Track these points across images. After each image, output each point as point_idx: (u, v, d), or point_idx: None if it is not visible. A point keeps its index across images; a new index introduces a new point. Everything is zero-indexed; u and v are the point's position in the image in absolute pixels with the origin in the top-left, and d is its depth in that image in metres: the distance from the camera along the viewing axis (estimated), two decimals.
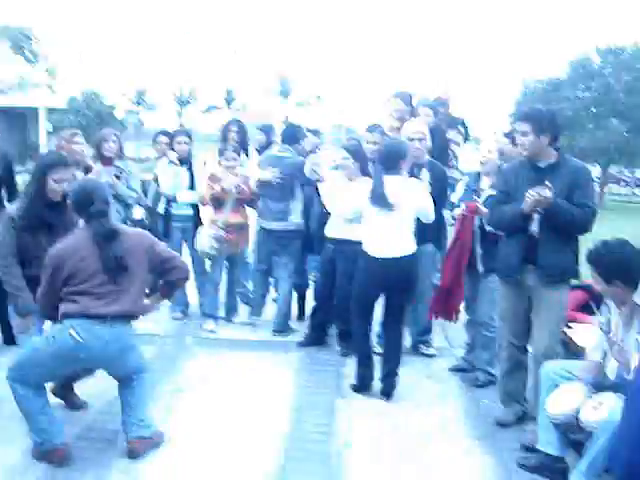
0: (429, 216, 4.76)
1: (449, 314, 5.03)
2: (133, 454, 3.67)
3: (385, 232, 4.58)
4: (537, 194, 3.82)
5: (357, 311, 4.79)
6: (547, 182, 3.86)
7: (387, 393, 4.69)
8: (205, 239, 5.91)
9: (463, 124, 6.78)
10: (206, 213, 6.20)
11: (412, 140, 5.24)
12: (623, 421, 2.21)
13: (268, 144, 6.74)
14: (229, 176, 5.93)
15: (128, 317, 3.66)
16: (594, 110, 32.14)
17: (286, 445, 3.93)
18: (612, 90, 31.45)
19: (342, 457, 3.81)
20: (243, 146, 6.60)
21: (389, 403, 4.62)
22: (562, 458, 3.62)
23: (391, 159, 4.65)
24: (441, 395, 4.84)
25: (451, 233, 5.09)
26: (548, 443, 3.63)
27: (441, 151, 5.83)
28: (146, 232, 3.93)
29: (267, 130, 7.02)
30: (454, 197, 5.18)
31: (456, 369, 5.27)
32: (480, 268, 4.81)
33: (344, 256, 5.23)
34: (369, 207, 4.61)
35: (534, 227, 4.01)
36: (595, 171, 33.90)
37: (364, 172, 5.19)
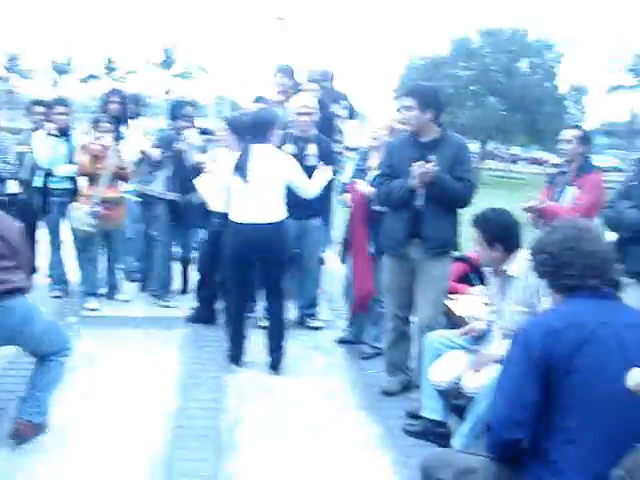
0: (305, 189, 4.80)
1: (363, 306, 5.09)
2: (17, 437, 3.49)
3: (247, 199, 4.56)
4: (424, 168, 3.90)
5: (230, 282, 4.80)
6: (431, 157, 3.95)
7: (274, 367, 4.69)
8: (81, 215, 5.67)
9: (346, 99, 6.86)
10: (81, 188, 5.95)
11: (300, 114, 5.24)
12: (497, 382, 2.35)
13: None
14: (108, 153, 5.72)
15: (9, 293, 3.43)
16: (473, 88, 33.39)
17: (174, 423, 3.87)
18: (490, 70, 32.76)
19: (233, 433, 3.80)
20: (124, 117, 6.40)
21: (277, 377, 4.64)
22: (445, 423, 3.77)
23: (258, 128, 4.62)
24: (328, 367, 4.91)
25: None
26: (431, 409, 3.76)
27: (325, 125, 5.86)
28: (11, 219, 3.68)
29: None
30: (344, 177, 5.23)
31: (342, 341, 5.36)
32: (371, 249, 4.87)
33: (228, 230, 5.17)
34: (233, 176, 4.59)
35: (419, 202, 4.09)
36: (474, 147, 35.33)
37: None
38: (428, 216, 4.08)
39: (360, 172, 5.03)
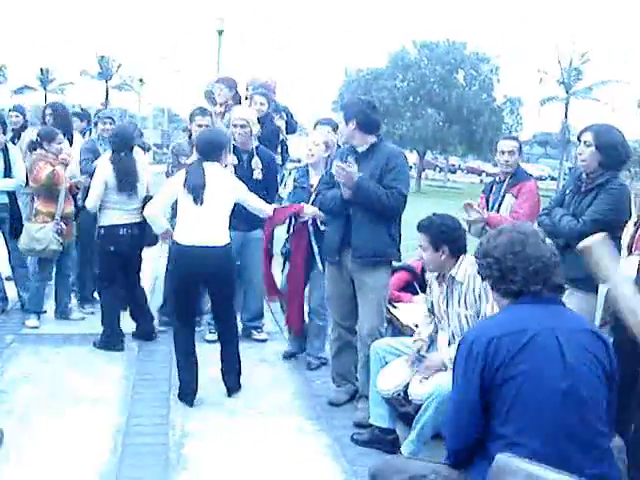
0: (258, 209, 4.75)
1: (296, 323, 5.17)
2: None
3: (197, 221, 4.33)
4: (340, 166, 3.96)
5: (175, 307, 4.53)
6: (350, 158, 4.03)
7: (230, 389, 4.52)
8: (48, 235, 5.47)
9: (287, 112, 6.91)
10: (39, 207, 5.62)
11: (234, 126, 5.29)
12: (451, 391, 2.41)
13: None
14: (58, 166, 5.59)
15: None
16: (411, 100, 33.93)
17: (122, 440, 3.81)
18: (427, 81, 33.37)
19: (181, 448, 3.76)
20: (63, 130, 6.29)
21: (223, 390, 4.60)
22: (393, 430, 3.81)
23: (209, 147, 4.46)
24: (275, 379, 4.92)
25: None
26: (379, 417, 3.81)
27: (272, 137, 5.92)
28: None
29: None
30: (284, 192, 5.25)
31: (286, 356, 5.36)
32: (320, 267, 4.87)
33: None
34: (183, 196, 4.36)
35: (350, 210, 4.14)
36: (412, 157, 35.90)
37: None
38: (357, 225, 4.12)
39: (301, 189, 5.06)
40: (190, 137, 5.66)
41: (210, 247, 4.31)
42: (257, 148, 5.41)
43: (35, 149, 5.64)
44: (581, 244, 1.34)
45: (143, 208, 4.86)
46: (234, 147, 5.32)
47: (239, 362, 4.57)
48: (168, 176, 5.55)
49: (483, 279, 2.46)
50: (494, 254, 2.34)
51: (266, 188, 5.29)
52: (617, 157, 3.79)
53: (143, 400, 4.37)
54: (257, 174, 5.28)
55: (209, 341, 5.14)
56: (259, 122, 5.74)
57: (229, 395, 4.48)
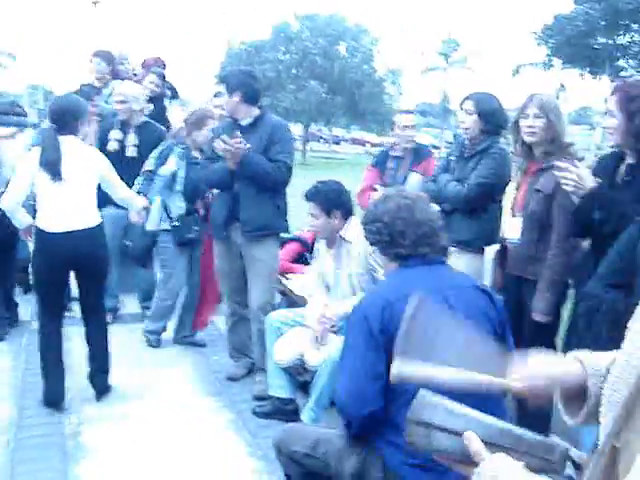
0: (116, 189, 4.20)
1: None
2: None
3: (60, 203, 3.83)
4: (227, 143, 3.91)
5: (43, 301, 4.00)
6: (237, 132, 3.98)
7: (100, 392, 4.11)
8: None
9: (172, 89, 6.77)
10: None
11: (115, 102, 5.29)
12: (340, 362, 2.42)
13: None
14: None
15: None
16: (295, 72, 33.95)
17: (14, 435, 3.66)
18: (310, 53, 33.45)
19: (78, 436, 3.67)
20: None
21: (118, 372, 4.47)
22: (293, 400, 3.88)
23: (64, 117, 3.89)
24: (170, 359, 4.87)
25: None
26: (279, 387, 3.85)
27: (161, 113, 5.90)
28: None
29: None
30: (164, 169, 5.03)
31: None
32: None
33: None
34: (39, 174, 3.82)
35: (236, 185, 4.13)
36: (297, 129, 36.02)
37: None
38: (244, 199, 4.11)
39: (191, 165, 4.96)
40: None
41: (78, 231, 3.83)
42: (143, 125, 5.29)
43: None
44: (393, 378, 1.43)
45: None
46: (121, 122, 5.24)
47: (108, 360, 4.14)
48: None
49: (372, 244, 2.51)
50: (383, 219, 2.38)
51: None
52: (496, 123, 3.95)
53: (34, 390, 4.19)
54: (130, 152, 5.21)
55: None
56: (151, 101, 5.64)
57: (98, 399, 4.07)
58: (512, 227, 3.48)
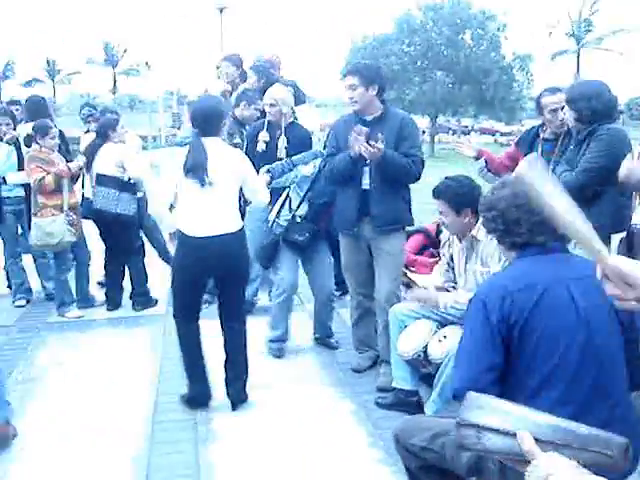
0: (257, 193, 4.07)
1: None
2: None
3: (204, 206, 3.81)
4: (372, 147, 3.88)
5: (180, 306, 4.02)
6: (380, 135, 3.94)
7: (234, 403, 4.02)
8: (60, 228, 5.47)
9: (295, 86, 6.88)
10: (42, 200, 5.55)
11: (266, 105, 5.23)
12: (458, 348, 2.40)
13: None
14: (56, 157, 5.63)
15: None
16: (420, 64, 33.58)
17: (152, 418, 3.90)
18: (435, 44, 32.97)
19: (209, 424, 3.84)
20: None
21: (249, 362, 4.67)
22: (416, 392, 3.87)
23: (208, 119, 3.88)
24: (298, 350, 4.98)
25: None
26: (402, 380, 3.86)
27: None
28: None
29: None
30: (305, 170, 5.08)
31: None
32: None
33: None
34: (184, 178, 3.83)
35: (366, 180, 4.13)
36: (424, 122, 35.62)
37: None
38: (376, 195, 4.11)
39: None
40: (232, 114, 5.68)
41: (222, 235, 3.80)
42: (290, 125, 5.27)
43: (30, 144, 5.66)
44: (514, 174, 1.30)
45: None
46: (269, 123, 5.24)
47: (246, 371, 4.08)
48: None
49: (489, 233, 2.46)
50: (498, 207, 2.34)
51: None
52: (591, 109, 3.68)
53: (170, 378, 4.44)
54: (281, 153, 5.23)
55: None
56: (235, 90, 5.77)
57: (234, 409, 4.00)
58: (639, 212, 3.29)
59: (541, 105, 4.23)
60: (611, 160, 3.61)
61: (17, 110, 6.81)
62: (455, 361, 2.41)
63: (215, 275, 4.02)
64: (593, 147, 3.69)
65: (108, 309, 5.92)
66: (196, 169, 3.76)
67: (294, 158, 4.84)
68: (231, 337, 4.04)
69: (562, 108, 4.10)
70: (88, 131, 6.84)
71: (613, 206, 3.71)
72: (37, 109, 6.20)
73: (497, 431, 1.20)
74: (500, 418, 1.21)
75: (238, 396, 4.03)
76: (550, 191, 1.17)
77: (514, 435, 1.16)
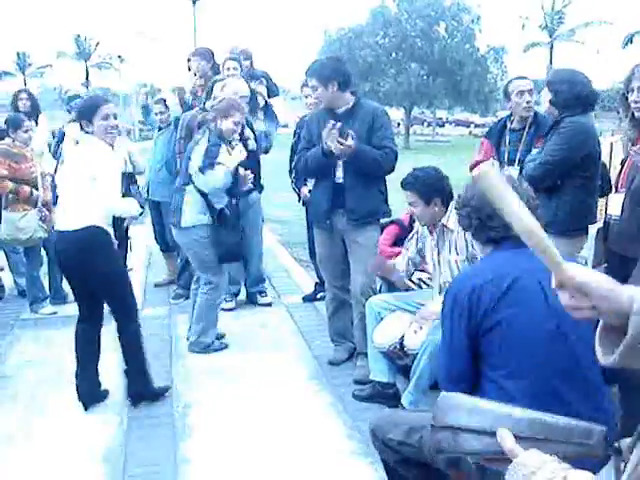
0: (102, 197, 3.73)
1: None
2: None
3: (61, 200, 3.89)
4: (340, 144, 3.88)
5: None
6: (350, 131, 3.94)
7: (133, 398, 3.99)
8: (31, 224, 5.41)
9: (266, 77, 6.84)
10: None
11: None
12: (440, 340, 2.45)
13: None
14: (29, 152, 5.55)
15: None
16: (394, 55, 33.64)
17: (127, 413, 3.87)
18: (409, 36, 33.06)
19: (186, 418, 3.82)
20: (35, 114, 6.49)
21: (225, 357, 4.68)
22: (393, 384, 3.88)
23: (77, 117, 3.92)
24: (275, 342, 4.97)
25: None
26: (379, 372, 3.87)
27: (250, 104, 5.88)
28: None
29: None
30: None
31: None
32: None
33: None
34: None
35: (339, 173, 4.13)
36: (399, 114, 35.71)
37: None
38: (350, 188, 4.11)
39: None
40: (201, 107, 5.64)
41: (62, 232, 3.80)
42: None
43: (3, 137, 5.59)
44: (473, 173, 1.34)
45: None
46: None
47: (137, 369, 3.99)
48: (180, 152, 5.53)
49: (464, 229, 2.49)
50: (472, 203, 2.37)
51: (258, 160, 5.32)
52: (565, 94, 3.71)
53: None
54: (251, 145, 5.26)
55: (224, 309, 5.23)
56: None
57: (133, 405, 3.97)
58: (614, 203, 3.33)
59: (508, 91, 4.32)
60: (571, 153, 3.66)
61: None
62: (439, 362, 2.44)
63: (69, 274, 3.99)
64: (554, 140, 3.72)
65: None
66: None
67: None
68: (121, 337, 3.97)
69: (530, 92, 4.21)
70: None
71: (574, 199, 3.73)
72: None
73: (474, 431, 1.18)
74: (476, 417, 1.19)
75: (135, 393, 3.99)
76: (505, 196, 1.16)
77: (493, 434, 1.15)
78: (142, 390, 4.00)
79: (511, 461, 1.11)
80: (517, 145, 4.29)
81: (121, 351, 3.98)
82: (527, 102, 4.24)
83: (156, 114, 6.32)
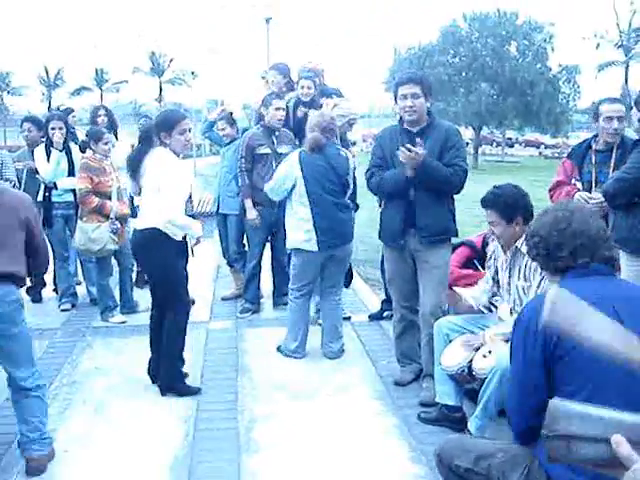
0: (162, 204, 4.10)
1: None
2: (35, 471, 3.32)
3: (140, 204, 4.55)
4: (409, 151, 3.90)
5: (185, 300, 4.53)
6: (418, 139, 3.98)
7: (161, 390, 4.35)
8: (103, 235, 5.58)
9: (338, 94, 6.88)
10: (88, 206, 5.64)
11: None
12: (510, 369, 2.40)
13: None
14: (109, 165, 5.73)
15: (6, 278, 3.24)
16: (465, 75, 33.41)
17: (193, 426, 3.91)
18: (480, 55, 32.78)
19: (251, 432, 3.83)
20: (113, 129, 6.70)
21: (290, 372, 4.69)
22: (460, 407, 3.81)
23: (155, 128, 4.28)
24: (340, 361, 4.95)
25: None
26: (445, 395, 3.80)
27: None
28: (30, 199, 3.51)
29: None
30: None
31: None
32: None
33: None
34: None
35: (411, 192, 4.11)
36: (468, 133, 35.37)
37: None
38: (421, 206, 4.10)
39: None
40: (262, 123, 5.75)
41: (135, 230, 4.44)
42: None
43: (85, 150, 5.79)
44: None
45: None
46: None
47: (167, 359, 4.36)
48: (242, 171, 5.66)
49: (533, 259, 2.47)
50: (540, 233, 2.36)
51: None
52: None
53: (212, 387, 4.46)
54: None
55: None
56: (306, 106, 5.79)
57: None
58: None
59: (599, 112, 4.23)
60: None
61: (73, 117, 7.00)
62: (509, 384, 2.38)
63: None
64: (632, 157, 3.70)
65: None
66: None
67: None
68: (163, 327, 4.38)
69: (619, 119, 4.11)
70: None
71: None
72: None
73: (588, 439, 1.15)
74: (588, 425, 1.16)
75: (162, 382, 4.37)
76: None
77: (607, 441, 1.11)
78: (170, 382, 4.33)
79: (626, 468, 1.07)
80: (601, 167, 4.22)
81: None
82: (614, 129, 4.16)
83: (220, 130, 6.38)
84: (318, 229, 4.71)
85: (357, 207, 5.58)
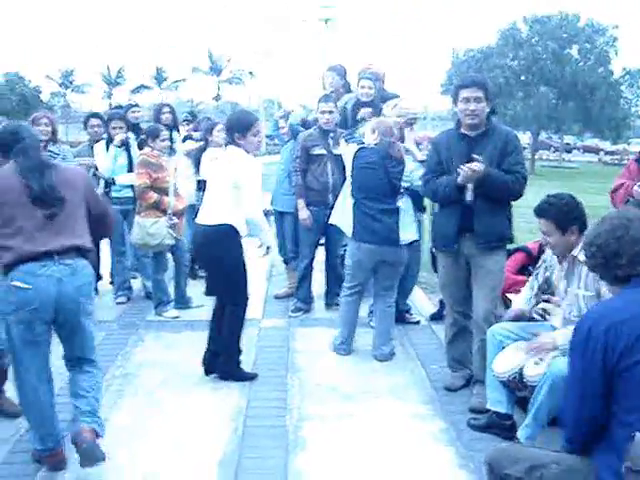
0: (244, 197, 4.31)
1: None
2: (83, 443, 3.18)
3: (205, 199, 4.61)
4: (469, 169, 3.89)
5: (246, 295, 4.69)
6: (476, 156, 3.92)
7: (222, 375, 4.58)
8: (161, 230, 5.68)
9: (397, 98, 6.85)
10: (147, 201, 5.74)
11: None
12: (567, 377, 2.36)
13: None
14: (166, 162, 5.84)
15: (77, 251, 3.24)
16: (524, 78, 32.85)
17: (243, 422, 3.94)
18: (540, 58, 32.18)
19: (299, 431, 3.85)
20: (175, 127, 6.92)
21: (340, 373, 4.69)
22: (510, 415, 3.75)
23: (228, 128, 4.47)
24: (390, 363, 4.93)
25: None
26: (497, 402, 3.75)
27: None
28: (84, 171, 3.66)
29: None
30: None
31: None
32: None
33: None
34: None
35: (468, 197, 4.06)
36: (526, 138, 34.80)
37: None
38: (479, 211, 4.06)
39: None
40: (318, 124, 5.79)
41: (201, 225, 4.52)
42: None
43: (142, 147, 5.90)
44: None
45: None
46: None
47: (226, 353, 4.58)
48: (296, 171, 5.75)
49: (591, 270, 2.43)
50: (597, 242, 2.32)
51: None
52: None
53: (262, 384, 4.50)
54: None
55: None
56: (368, 106, 5.79)
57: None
58: None
59: None
60: None
61: (139, 112, 7.12)
62: (565, 391, 2.35)
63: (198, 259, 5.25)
64: None
65: None
66: None
67: None
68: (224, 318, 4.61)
69: None
70: (185, 138, 7.19)
71: None
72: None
73: None
74: None
75: (222, 370, 4.59)
76: None
77: None
78: (229, 369, 4.55)
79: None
80: None
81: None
82: None
83: (281, 128, 6.55)
84: (357, 223, 4.85)
85: (424, 209, 5.62)
